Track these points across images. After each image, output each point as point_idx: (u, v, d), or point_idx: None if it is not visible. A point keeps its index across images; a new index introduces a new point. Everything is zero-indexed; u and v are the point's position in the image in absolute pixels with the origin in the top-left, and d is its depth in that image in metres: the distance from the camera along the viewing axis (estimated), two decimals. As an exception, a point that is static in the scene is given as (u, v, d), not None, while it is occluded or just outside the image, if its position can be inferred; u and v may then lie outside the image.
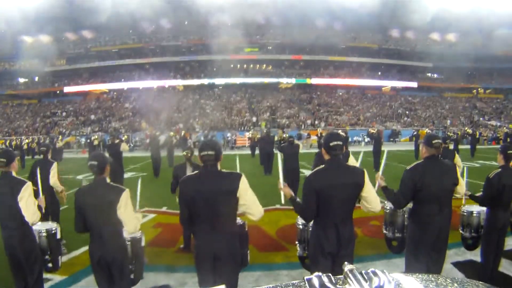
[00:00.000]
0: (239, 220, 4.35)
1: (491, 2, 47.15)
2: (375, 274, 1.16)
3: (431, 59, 53.98)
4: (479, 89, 57.79)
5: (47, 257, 4.93)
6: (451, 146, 8.48)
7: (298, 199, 3.77)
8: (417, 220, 4.13)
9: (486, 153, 23.01)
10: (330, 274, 1.19)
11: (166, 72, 51.82)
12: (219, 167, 3.51)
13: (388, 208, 5.66)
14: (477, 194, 4.98)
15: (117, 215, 3.63)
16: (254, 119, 45.34)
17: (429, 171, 4.04)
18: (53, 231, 5.06)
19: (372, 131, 30.20)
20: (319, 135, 24.74)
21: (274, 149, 17.05)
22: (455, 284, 1.35)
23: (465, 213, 5.65)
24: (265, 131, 20.64)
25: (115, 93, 54.31)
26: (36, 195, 4.60)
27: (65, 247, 5.71)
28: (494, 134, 39.06)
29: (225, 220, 3.43)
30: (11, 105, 53.03)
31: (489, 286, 1.42)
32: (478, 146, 24.95)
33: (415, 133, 30.97)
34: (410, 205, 4.27)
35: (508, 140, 26.98)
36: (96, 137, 30.36)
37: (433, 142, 4.10)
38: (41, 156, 7.45)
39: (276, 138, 19.48)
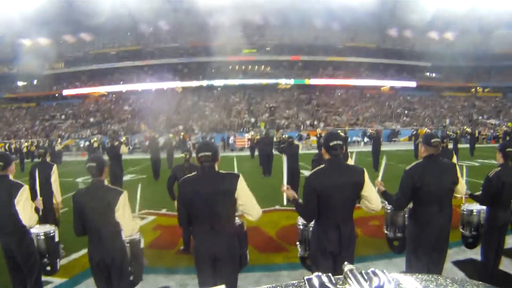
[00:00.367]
0: (237, 220, 4.35)
1: (489, 1, 47.20)
2: (375, 274, 1.16)
3: (429, 59, 54.09)
4: (477, 88, 57.80)
5: (45, 260, 4.92)
6: (450, 146, 8.48)
7: (300, 201, 3.76)
8: (417, 220, 4.11)
9: (486, 151, 23.00)
10: (330, 274, 1.19)
11: (164, 74, 51.82)
12: (216, 168, 3.52)
13: (388, 208, 5.66)
14: (477, 193, 4.98)
15: (115, 217, 3.63)
16: (253, 120, 45.37)
17: (428, 171, 4.02)
18: (51, 234, 5.05)
19: (371, 131, 30.24)
20: (318, 135, 24.76)
21: (273, 150, 17.02)
22: (455, 284, 1.34)
23: (465, 212, 5.65)
24: (264, 132, 20.64)
25: (114, 95, 54.40)
26: (34, 197, 4.60)
27: (63, 249, 5.69)
28: (493, 132, 39.07)
29: (224, 220, 3.43)
30: (10, 109, 53.07)
31: (489, 286, 1.41)
32: (477, 145, 24.94)
33: (414, 132, 30.99)
34: (410, 205, 4.25)
35: (508, 138, 26.97)
36: (96, 139, 30.37)
37: (432, 141, 4.08)
38: (40, 159, 7.45)
39: (275, 139, 19.47)
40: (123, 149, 13.49)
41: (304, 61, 55.86)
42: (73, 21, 47.11)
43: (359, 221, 7.20)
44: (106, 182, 3.85)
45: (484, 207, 5.10)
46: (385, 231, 5.83)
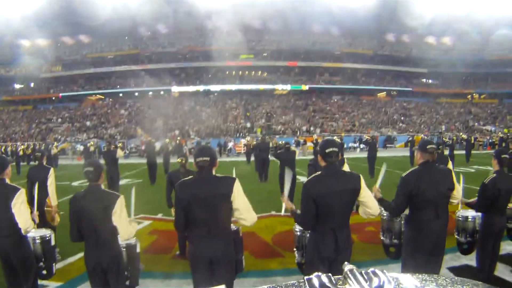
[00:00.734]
0: (233, 226, 4.35)
1: (486, 8, 47.46)
2: (375, 274, 1.17)
3: (426, 65, 54.40)
4: (474, 94, 58.08)
5: (41, 264, 4.90)
6: (446, 152, 8.48)
7: (298, 211, 3.79)
8: (414, 226, 4.12)
9: (481, 158, 23.07)
10: (330, 274, 1.20)
11: (161, 78, 51.79)
12: (214, 173, 3.54)
13: (385, 214, 5.67)
14: (470, 200, 5.01)
15: (112, 221, 3.63)
16: (250, 125, 45.38)
17: (424, 177, 4.03)
18: (47, 238, 5.03)
19: (367, 137, 30.30)
20: (314, 141, 24.75)
21: (269, 156, 16.99)
22: (455, 284, 1.35)
23: (460, 218, 5.66)
24: (260, 137, 20.63)
25: (110, 99, 54.33)
26: (31, 202, 4.59)
27: (59, 253, 5.67)
28: (489, 139, 39.20)
29: (220, 224, 3.46)
30: (6, 111, 52.86)
31: (489, 286, 1.42)
32: (473, 151, 25.01)
33: (410, 138, 31.07)
34: (406, 211, 4.27)
35: (503, 145, 27.04)
36: (92, 143, 30.30)
37: (428, 147, 4.10)
38: (36, 162, 7.44)
39: (271, 145, 19.44)
40: (119, 153, 13.49)
41: (301, 67, 56.06)
42: (71, 24, 47.21)
43: (355, 227, 7.23)
44: (102, 187, 3.86)
45: (479, 214, 5.11)
46: (381, 237, 5.83)
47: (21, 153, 28.26)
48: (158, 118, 44.16)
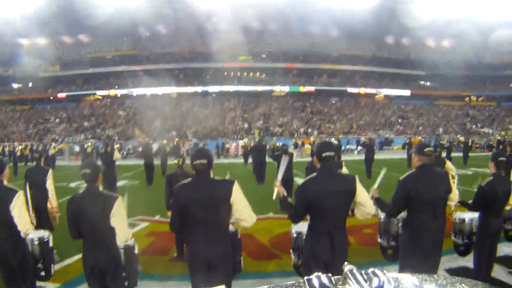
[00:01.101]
0: (231, 228, 4.35)
1: (484, 11, 47.58)
2: (375, 274, 1.17)
3: (424, 67, 54.45)
4: (471, 96, 58.12)
5: (39, 265, 4.90)
6: (444, 154, 8.49)
7: (290, 199, 3.80)
8: (411, 229, 4.13)
9: (479, 160, 23.10)
10: (330, 274, 1.20)
11: (160, 79, 51.69)
12: (211, 175, 3.54)
13: (382, 217, 5.68)
14: (470, 202, 5.03)
15: (110, 223, 3.63)
16: (247, 127, 45.37)
17: (422, 180, 4.04)
18: (45, 239, 5.04)
19: (364, 139, 30.30)
20: (312, 143, 24.74)
21: (266, 158, 16.97)
22: (455, 284, 1.36)
23: (457, 220, 5.69)
24: (257, 139, 20.62)
25: (108, 100, 54.22)
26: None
27: (57, 255, 5.67)
28: (486, 141, 39.27)
29: (218, 227, 3.45)
30: (4, 111, 52.73)
31: (489, 286, 1.43)
32: (470, 154, 25.03)
33: (407, 141, 31.08)
34: (404, 213, 4.28)
35: (501, 147, 27.07)
36: (90, 144, 30.25)
37: (425, 150, 4.11)
38: (34, 163, 7.43)
39: (268, 147, 19.40)
40: (117, 154, 13.47)
41: (299, 69, 56.04)
42: (70, 24, 47.22)
43: (352, 229, 7.25)
44: (100, 188, 3.86)
45: (476, 216, 5.15)
46: (379, 240, 5.86)
47: (18, 153, 28.18)
48: (156, 119, 44.14)
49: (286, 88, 54.54)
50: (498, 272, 5.46)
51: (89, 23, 42.32)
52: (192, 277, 3.52)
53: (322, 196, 3.49)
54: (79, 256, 4.70)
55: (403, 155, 25.06)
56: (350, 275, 1.18)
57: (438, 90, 57.32)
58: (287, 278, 5.62)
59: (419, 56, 54.49)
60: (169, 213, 4.02)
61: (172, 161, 9.32)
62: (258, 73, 56.73)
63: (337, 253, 3.50)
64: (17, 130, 46.77)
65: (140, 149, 31.73)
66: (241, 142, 34.99)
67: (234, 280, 3.84)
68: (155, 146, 20.18)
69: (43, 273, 4.99)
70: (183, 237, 3.66)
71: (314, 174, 3.68)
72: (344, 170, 6.92)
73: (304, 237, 4.06)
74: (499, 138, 34.79)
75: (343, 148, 31.10)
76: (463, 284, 1.36)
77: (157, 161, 18.18)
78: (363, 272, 1.19)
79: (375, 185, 4.66)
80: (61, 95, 53.93)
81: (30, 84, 56.05)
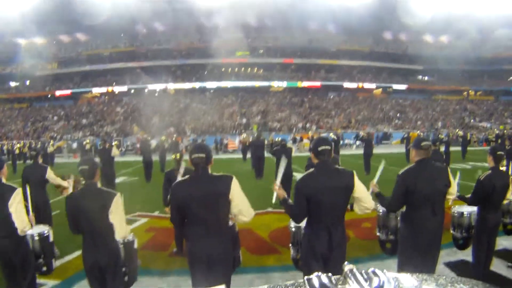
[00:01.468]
0: (229, 222, 4.36)
1: (482, 5, 47.53)
2: (375, 274, 1.17)
3: (422, 62, 54.45)
4: (469, 91, 58.12)
5: (40, 260, 4.91)
6: (442, 148, 8.48)
7: (290, 201, 3.79)
8: (410, 223, 4.13)
9: (477, 154, 23.12)
10: (330, 274, 1.20)
11: (157, 76, 51.62)
12: (210, 171, 3.53)
13: (381, 211, 5.69)
14: (468, 196, 5.03)
15: (109, 219, 3.64)
16: (246, 122, 45.35)
17: (421, 175, 4.03)
18: (45, 234, 5.04)
19: (363, 134, 30.30)
20: (310, 138, 24.74)
21: (265, 153, 16.96)
22: (455, 284, 1.36)
23: (456, 214, 5.70)
24: (256, 135, 20.59)
25: (106, 97, 54.12)
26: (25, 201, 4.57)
27: (58, 250, 5.68)
28: (484, 135, 39.30)
29: (218, 222, 3.45)
30: (2, 109, 52.64)
31: (489, 286, 1.43)
32: (469, 148, 25.03)
33: (405, 135, 31.06)
34: (403, 208, 4.28)
35: (499, 141, 27.06)
36: (88, 141, 30.19)
37: (422, 144, 4.10)
38: (32, 161, 7.42)
39: (266, 142, 19.39)
40: (115, 151, 13.47)
41: (297, 64, 55.94)
42: (66, 22, 47.09)
43: (351, 223, 7.27)
44: (99, 185, 3.86)
45: (475, 209, 5.16)
46: (378, 233, 5.87)
47: (17, 151, 28.14)
48: (154, 116, 44.13)
49: (284, 84, 54.48)
50: (497, 265, 5.48)
51: (86, 20, 42.18)
52: (191, 272, 3.52)
53: (319, 191, 3.50)
54: (79, 252, 4.71)
55: (402, 149, 25.05)
56: (350, 275, 1.18)
57: (436, 84, 57.35)
58: (286, 272, 5.64)
59: (417, 51, 54.51)
60: (167, 209, 4.02)
61: (170, 157, 9.33)
62: (255, 69, 56.65)
63: (336, 247, 3.51)
64: (15, 128, 46.73)
65: (138, 145, 31.69)
66: (239, 138, 34.97)
67: (233, 275, 3.85)
68: (153, 143, 20.16)
69: (44, 268, 5.00)
70: (183, 232, 3.65)
71: (312, 169, 3.68)
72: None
73: (303, 231, 4.06)
74: (497, 132, 34.79)
75: (341, 142, 31.04)
76: (463, 284, 1.36)
77: (155, 157, 18.18)
78: (363, 271, 1.19)
79: (375, 180, 4.66)
80: (59, 92, 53.82)
81: (28, 82, 55.95)
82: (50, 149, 26.38)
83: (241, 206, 3.49)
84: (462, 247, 5.79)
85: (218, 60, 50.70)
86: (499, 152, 4.85)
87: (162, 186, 6.77)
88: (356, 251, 6.28)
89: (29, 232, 4.62)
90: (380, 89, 56.40)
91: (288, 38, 53.03)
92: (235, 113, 48.17)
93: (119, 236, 3.78)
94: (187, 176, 3.61)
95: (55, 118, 49.14)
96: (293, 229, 4.91)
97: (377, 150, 22.00)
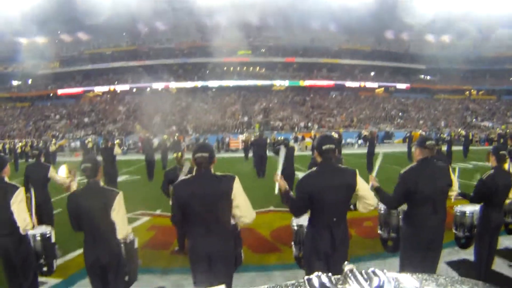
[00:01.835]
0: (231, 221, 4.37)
1: (484, 5, 47.44)
2: (375, 273, 1.17)
3: (424, 61, 54.44)
4: (472, 90, 58.09)
5: (42, 260, 4.90)
6: (445, 148, 8.47)
7: (291, 193, 3.79)
8: (412, 222, 4.12)
9: (479, 154, 23.09)
10: (330, 274, 1.20)
11: (159, 74, 51.69)
12: (212, 170, 3.53)
13: (382, 208, 5.69)
14: (469, 194, 5.02)
15: (111, 218, 3.64)
16: (248, 121, 45.34)
17: (423, 173, 4.03)
18: (47, 235, 5.03)
19: (365, 133, 30.25)
20: (312, 137, 24.73)
21: (267, 152, 16.96)
22: (455, 284, 1.35)
23: (458, 213, 5.69)
24: (257, 133, 20.60)
25: (108, 95, 54.17)
26: (29, 207, 4.57)
27: (59, 250, 5.68)
28: (486, 135, 39.27)
29: (220, 222, 3.45)
30: (4, 108, 52.77)
31: (489, 285, 1.43)
32: (470, 147, 24.99)
33: (408, 134, 31.05)
34: (404, 206, 4.27)
35: (502, 141, 27.02)
36: (90, 140, 30.24)
37: (427, 143, 4.09)
38: (34, 160, 7.42)
39: (268, 141, 19.41)
40: (117, 150, 13.45)
41: (298, 63, 56.04)
42: (68, 21, 47.11)
43: (353, 222, 7.24)
44: (101, 183, 3.86)
45: (477, 208, 5.15)
46: (379, 231, 5.86)
47: (19, 150, 28.19)
48: (156, 114, 44.15)
49: (286, 83, 54.56)
50: (499, 265, 5.47)
51: (88, 19, 42.23)
52: (193, 271, 3.52)
53: (322, 190, 3.49)
54: (79, 251, 4.72)
55: (404, 148, 25.08)
56: (350, 275, 1.18)
57: (438, 84, 57.38)
58: (287, 271, 5.64)
59: (419, 50, 54.48)
60: (170, 202, 4.01)
61: (172, 156, 9.35)
62: (257, 68, 56.72)
63: (338, 246, 3.50)
64: (17, 127, 46.83)
65: (140, 144, 31.71)
66: (241, 137, 34.95)
67: (235, 273, 3.84)
68: (155, 141, 20.18)
69: (45, 269, 4.99)
70: (185, 231, 3.65)
71: (315, 168, 3.67)
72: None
73: (305, 230, 4.06)
74: (500, 131, 34.73)
75: (343, 142, 31.01)
76: (463, 284, 1.36)
77: (157, 156, 18.19)
78: (363, 271, 1.19)
79: (374, 173, 4.65)
80: (61, 91, 53.93)
81: (30, 81, 56.14)
82: (52, 148, 26.40)
83: (242, 207, 3.49)
84: (464, 246, 5.78)
85: (220, 59, 50.83)
86: (501, 152, 4.84)
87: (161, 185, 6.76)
88: (358, 250, 6.28)
89: (31, 232, 4.63)
90: (382, 88, 56.41)
91: (290, 37, 53.06)
92: (237, 112, 48.15)
93: (120, 235, 3.78)
94: (189, 175, 3.61)
95: (57, 117, 49.22)
96: (296, 228, 4.90)
97: (379, 149, 21.97)
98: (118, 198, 3.70)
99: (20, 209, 4.08)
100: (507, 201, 5.36)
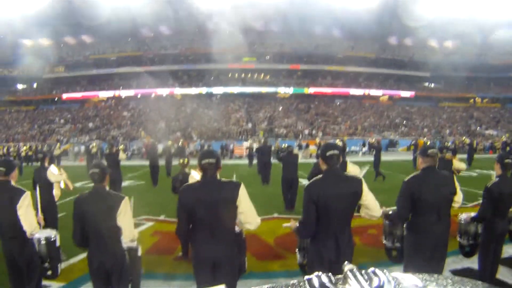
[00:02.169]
0: (236, 228, 4.37)
1: (488, 12, 47.39)
2: (375, 273, 1.17)
3: (428, 69, 54.40)
4: (476, 98, 57.97)
5: (46, 264, 4.91)
6: (448, 156, 8.41)
7: (297, 224, 3.81)
8: (415, 230, 4.12)
9: (483, 162, 23.02)
10: (330, 274, 1.20)
11: (164, 80, 51.79)
12: (218, 176, 3.54)
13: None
14: (473, 214, 5.06)
15: (116, 222, 3.66)
16: (252, 128, 45.35)
17: (426, 182, 4.04)
18: (52, 239, 5.04)
19: (372, 141, 30.21)
20: (317, 144, 24.71)
21: (271, 159, 16.97)
22: (455, 284, 1.36)
23: (462, 221, 5.68)
24: (262, 140, 20.63)
25: (113, 101, 54.30)
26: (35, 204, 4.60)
27: (64, 254, 5.69)
28: (490, 143, 39.17)
29: (224, 228, 3.45)
30: (9, 112, 53.01)
31: (489, 286, 1.43)
32: (475, 155, 24.92)
33: (413, 142, 31.01)
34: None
35: (508, 149, 26.93)
36: (94, 145, 30.28)
37: (429, 152, 4.11)
38: (39, 164, 7.45)
39: (273, 148, 19.40)
40: (121, 155, 13.48)
41: (303, 70, 56.06)
42: (74, 25, 47.31)
43: (357, 230, 7.26)
44: (107, 188, 3.87)
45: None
46: (384, 241, 5.84)
47: (23, 154, 28.28)
48: (160, 120, 44.23)
49: (290, 90, 54.50)
50: (503, 273, 5.46)
51: (93, 24, 42.45)
52: (196, 277, 3.53)
53: (327, 197, 3.48)
54: (83, 255, 4.72)
55: (408, 156, 25.04)
56: (350, 275, 1.18)
57: (443, 91, 57.29)
58: (292, 278, 5.56)
59: (423, 58, 54.50)
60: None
61: (176, 162, 9.36)
62: (262, 75, 56.77)
63: (343, 254, 3.49)
64: (22, 131, 46.94)
65: (144, 149, 31.74)
66: (245, 144, 34.95)
67: (239, 281, 3.85)
68: (160, 147, 20.20)
69: (50, 272, 4.99)
70: (189, 237, 3.66)
71: (320, 176, 3.67)
72: (352, 167, 6.98)
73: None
74: (504, 139, 34.60)
75: (347, 149, 30.93)
76: (463, 284, 1.36)
77: (162, 162, 18.21)
78: (363, 271, 1.19)
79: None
80: (66, 96, 54.14)
81: (35, 85, 56.41)
82: (56, 151, 26.48)
83: (247, 214, 3.50)
84: (468, 254, 5.76)
85: (224, 65, 50.92)
86: (506, 160, 4.83)
87: (169, 191, 6.81)
88: (362, 258, 6.27)
89: (37, 236, 4.65)
90: (387, 96, 56.32)
91: (294, 44, 53.19)
92: (242, 119, 48.18)
93: (127, 239, 3.79)
94: (196, 181, 3.62)
95: (62, 121, 49.32)
96: (300, 235, 4.91)
97: (384, 157, 21.97)
98: (124, 202, 3.72)
99: (27, 212, 4.10)
100: (512, 210, 5.36)
